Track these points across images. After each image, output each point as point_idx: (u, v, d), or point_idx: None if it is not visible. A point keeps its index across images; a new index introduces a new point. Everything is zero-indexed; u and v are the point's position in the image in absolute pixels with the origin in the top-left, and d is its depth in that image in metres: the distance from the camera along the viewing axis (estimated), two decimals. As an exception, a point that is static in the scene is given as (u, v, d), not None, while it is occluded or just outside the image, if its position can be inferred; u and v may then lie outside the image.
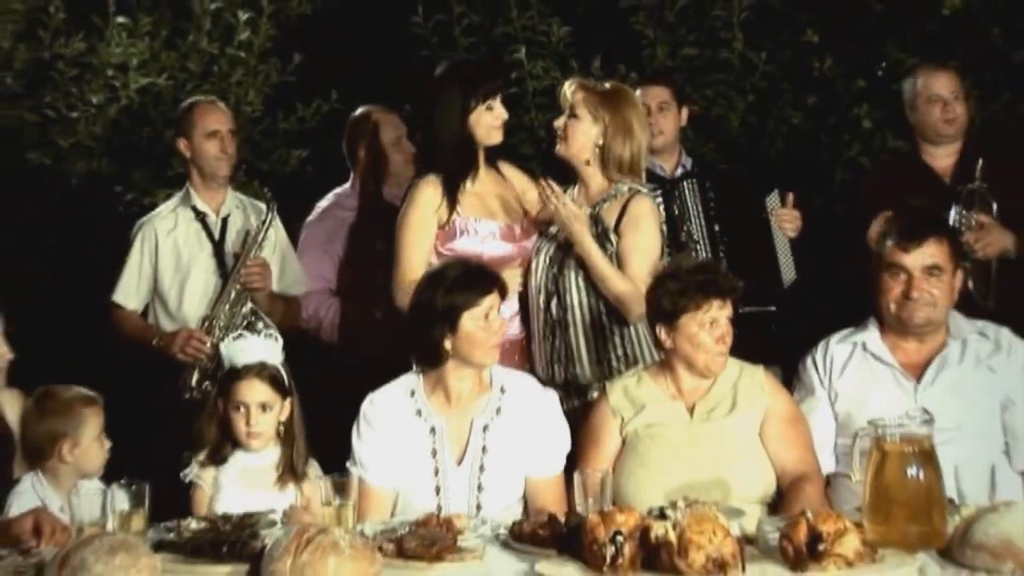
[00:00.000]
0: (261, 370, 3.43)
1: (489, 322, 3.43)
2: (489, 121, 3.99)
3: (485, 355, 3.46)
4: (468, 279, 3.46)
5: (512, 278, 3.91)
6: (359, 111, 4.88)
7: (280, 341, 3.57)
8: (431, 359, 3.47)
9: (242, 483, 3.40)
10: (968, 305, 3.90)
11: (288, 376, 3.48)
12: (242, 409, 3.41)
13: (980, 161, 4.36)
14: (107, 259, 4.61)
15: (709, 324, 3.44)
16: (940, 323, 3.62)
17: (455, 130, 3.96)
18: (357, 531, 2.89)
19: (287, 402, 3.46)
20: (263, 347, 3.50)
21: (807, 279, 4.53)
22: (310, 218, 4.84)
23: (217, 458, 3.44)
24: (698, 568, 2.54)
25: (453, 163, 3.97)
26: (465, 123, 3.96)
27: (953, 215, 4.30)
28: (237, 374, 3.43)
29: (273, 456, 3.44)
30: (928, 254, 3.56)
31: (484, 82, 4.01)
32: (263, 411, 3.41)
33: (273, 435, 3.44)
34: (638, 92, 4.48)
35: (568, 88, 4.03)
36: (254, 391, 3.41)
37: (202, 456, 3.46)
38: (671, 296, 3.46)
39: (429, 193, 3.97)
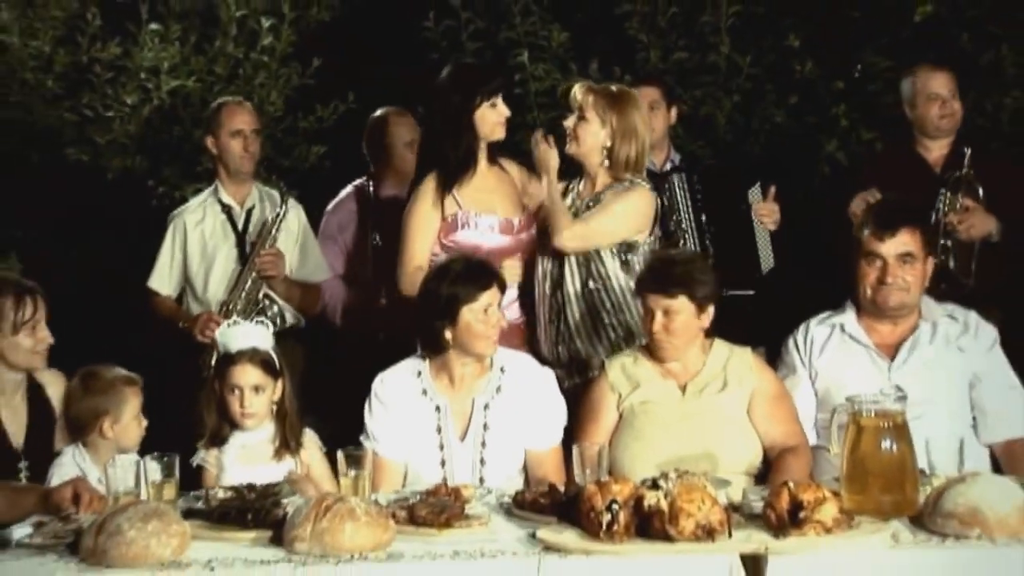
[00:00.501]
0: (253, 355, 3.40)
1: (487, 316, 3.40)
2: (493, 118, 3.97)
3: (484, 347, 3.44)
4: (469, 274, 3.44)
5: (512, 269, 3.91)
6: (378, 112, 4.86)
7: (271, 327, 3.55)
8: (434, 347, 3.46)
9: (243, 460, 3.38)
10: (949, 282, 3.94)
11: (279, 359, 3.46)
12: (237, 391, 3.38)
13: (968, 151, 4.37)
14: (140, 248, 4.63)
15: (652, 312, 3.46)
16: (913, 306, 3.61)
17: (460, 127, 3.94)
18: (372, 500, 2.89)
19: (278, 383, 3.43)
20: (255, 334, 3.47)
21: (783, 266, 4.52)
22: (328, 207, 4.83)
23: (217, 440, 3.42)
24: (688, 534, 2.54)
25: (457, 160, 3.95)
26: (470, 120, 3.94)
27: (939, 199, 4.29)
28: (231, 359, 3.41)
29: (268, 432, 3.42)
30: (901, 242, 3.55)
31: (487, 81, 4.00)
32: (256, 393, 3.38)
33: (267, 414, 3.42)
34: (640, 91, 4.49)
35: (578, 91, 4.01)
36: (247, 375, 3.39)
37: (204, 440, 3.44)
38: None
39: (432, 188, 3.95)
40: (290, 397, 3.45)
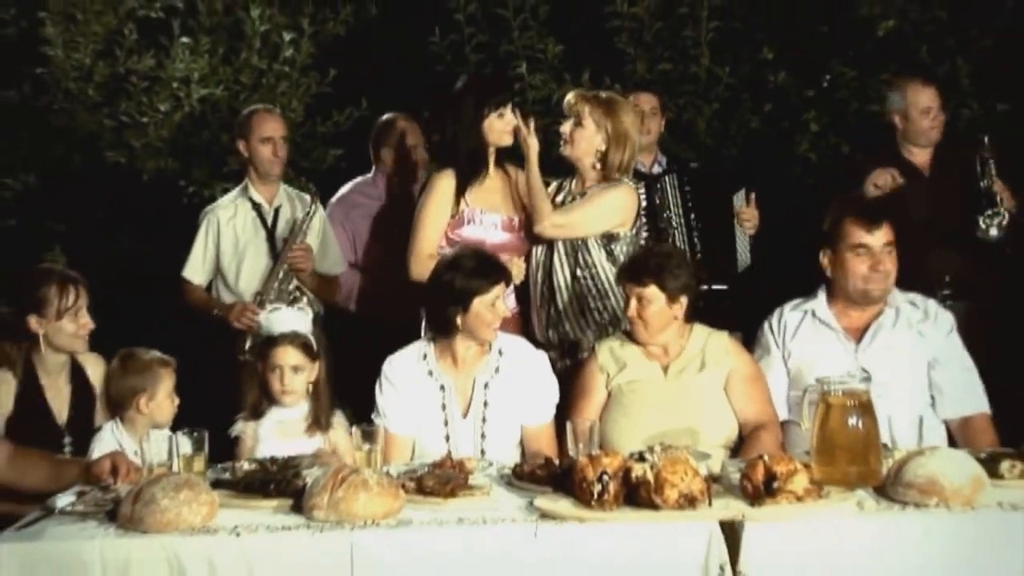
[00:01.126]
0: (294, 338, 3.39)
1: (495, 307, 3.41)
2: (500, 127, 3.95)
3: (488, 334, 3.44)
4: (482, 269, 3.44)
5: (518, 268, 3.89)
6: (385, 117, 4.85)
7: (310, 313, 3.54)
8: (444, 331, 3.46)
9: (277, 434, 3.37)
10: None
11: (317, 342, 3.45)
12: (277, 371, 3.37)
13: (986, 137, 4.37)
14: (172, 242, 4.61)
15: (628, 299, 3.46)
16: (888, 293, 3.60)
17: (471, 134, 3.93)
18: (383, 471, 2.88)
19: (316, 365, 3.42)
20: (296, 318, 3.47)
21: (758, 264, 4.51)
22: (332, 199, 4.80)
23: (256, 413, 3.41)
24: (672, 503, 2.53)
25: (468, 162, 3.94)
26: (480, 128, 3.93)
27: (986, 168, 4.29)
28: (274, 341, 3.40)
29: (303, 410, 3.41)
30: (885, 234, 3.54)
31: (496, 93, 3.97)
32: (295, 372, 3.37)
33: (304, 393, 3.41)
34: (636, 97, 4.54)
35: (573, 97, 3.99)
36: (288, 355, 3.38)
37: (244, 412, 3.43)
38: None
39: (445, 184, 3.94)
40: (325, 379, 3.44)
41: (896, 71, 4.93)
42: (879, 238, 3.52)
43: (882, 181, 4.36)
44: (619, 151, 3.93)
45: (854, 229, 3.54)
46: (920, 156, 4.51)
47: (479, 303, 3.38)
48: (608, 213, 3.91)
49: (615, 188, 3.92)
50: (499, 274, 3.46)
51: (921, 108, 4.46)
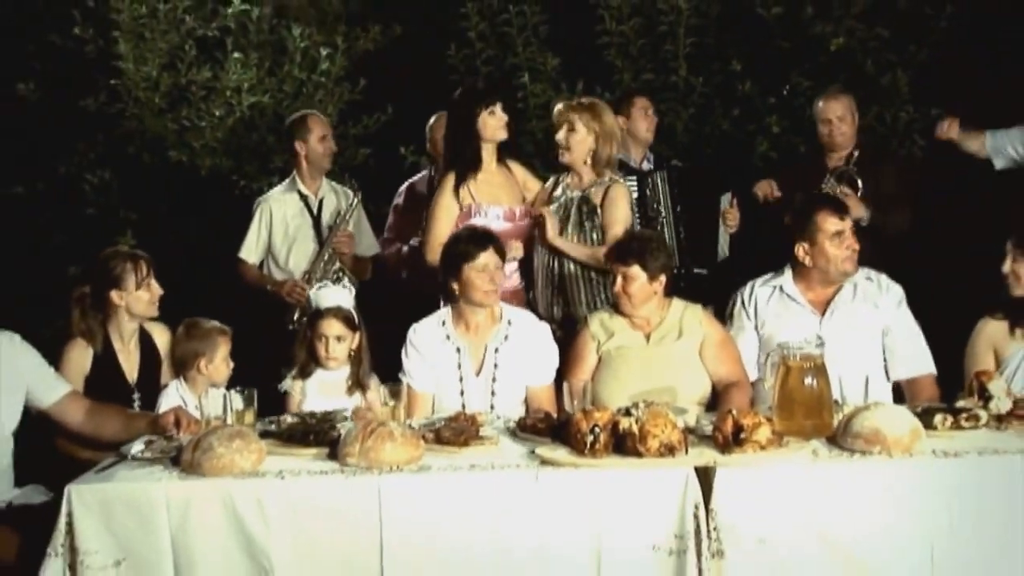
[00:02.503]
0: (338, 312, 3.38)
1: (484, 272, 3.36)
2: (493, 123, 3.88)
3: (482, 298, 3.39)
4: (470, 239, 3.42)
5: (516, 250, 3.82)
6: (435, 117, 4.61)
7: (353, 291, 3.51)
8: (446, 296, 3.46)
9: (322, 393, 3.37)
10: None
11: (358, 315, 3.43)
12: (323, 340, 3.36)
13: (856, 153, 4.34)
14: (227, 228, 4.59)
15: (615, 276, 3.43)
16: None
17: (466, 131, 3.86)
18: (406, 424, 2.86)
19: (356, 335, 3.40)
20: (340, 294, 3.45)
21: (733, 256, 4.46)
22: (403, 186, 4.65)
23: (304, 373, 3.41)
24: (654, 451, 2.52)
25: (465, 157, 3.86)
26: (474, 127, 3.86)
27: (825, 182, 4.26)
28: (321, 314, 3.38)
29: (345, 373, 3.40)
30: (849, 219, 3.54)
31: (484, 94, 3.90)
32: (338, 341, 3.36)
33: (346, 359, 3.39)
34: (637, 100, 4.52)
35: (562, 108, 3.91)
36: (332, 327, 3.36)
37: (294, 372, 3.42)
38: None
39: (449, 184, 3.88)
40: (365, 347, 3.42)
41: (845, 81, 4.88)
42: (848, 223, 3.50)
43: (761, 192, 4.36)
44: (607, 147, 3.88)
45: (830, 219, 3.48)
46: (835, 160, 4.38)
47: (468, 268, 3.35)
48: (627, 216, 3.85)
49: (617, 192, 3.84)
50: (484, 242, 3.40)
51: (821, 118, 4.37)
